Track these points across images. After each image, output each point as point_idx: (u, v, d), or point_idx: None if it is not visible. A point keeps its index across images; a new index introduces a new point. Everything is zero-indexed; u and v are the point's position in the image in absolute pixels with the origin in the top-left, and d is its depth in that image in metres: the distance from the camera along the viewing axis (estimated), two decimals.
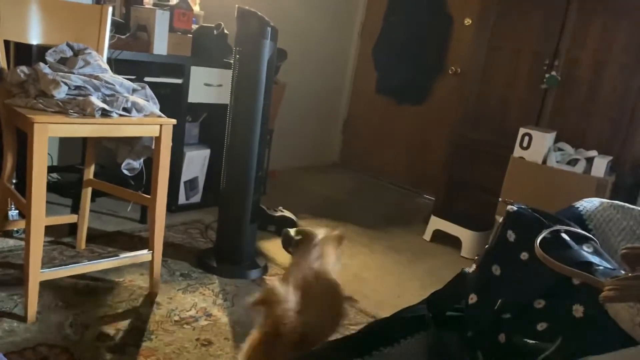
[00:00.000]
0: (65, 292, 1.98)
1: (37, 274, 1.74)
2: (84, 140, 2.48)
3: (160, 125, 1.93)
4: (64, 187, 2.77)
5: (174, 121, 1.97)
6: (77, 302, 1.93)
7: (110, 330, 1.79)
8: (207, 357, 1.72)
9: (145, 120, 1.91)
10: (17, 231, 2.38)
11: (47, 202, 1.75)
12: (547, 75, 2.96)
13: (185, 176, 3.10)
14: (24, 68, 1.91)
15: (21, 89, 1.89)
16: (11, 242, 2.32)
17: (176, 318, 1.93)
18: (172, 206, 3.00)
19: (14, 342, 1.64)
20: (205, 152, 3.19)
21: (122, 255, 2.06)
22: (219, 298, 2.13)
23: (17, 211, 2.36)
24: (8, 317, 1.76)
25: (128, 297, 2.03)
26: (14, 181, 2.34)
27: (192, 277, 2.29)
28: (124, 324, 1.84)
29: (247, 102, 2.35)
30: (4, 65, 1.97)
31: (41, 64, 1.91)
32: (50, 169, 2.77)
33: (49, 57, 1.97)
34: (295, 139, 4.51)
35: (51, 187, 2.62)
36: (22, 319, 1.75)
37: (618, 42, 2.78)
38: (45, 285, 1.91)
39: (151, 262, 2.05)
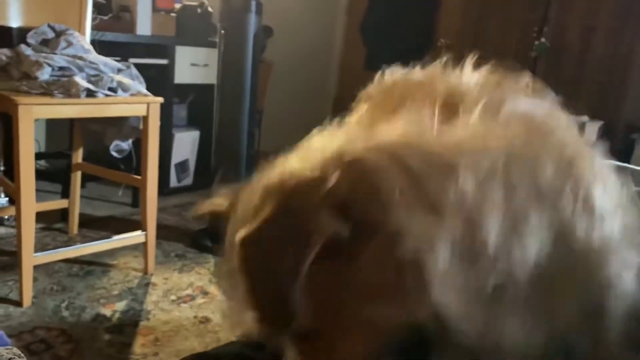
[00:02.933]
0: (59, 276, 1.97)
1: (31, 258, 1.72)
2: (71, 125, 2.45)
3: (148, 104, 1.91)
4: (53, 174, 2.74)
5: (161, 99, 1.94)
6: (72, 285, 1.92)
7: (106, 311, 1.78)
8: (206, 333, 1.72)
9: (131, 99, 1.89)
10: (7, 218, 2.35)
11: (37, 190, 1.73)
12: (536, 43, 2.95)
13: (176, 159, 3.08)
14: (6, 51, 1.87)
15: (3, 72, 1.85)
16: (2, 230, 2.30)
17: (173, 297, 1.93)
18: (164, 189, 2.97)
19: (11, 326, 1.63)
20: (195, 134, 3.16)
21: (115, 237, 2.05)
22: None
23: (7, 198, 2.33)
24: (3, 302, 1.75)
25: (123, 279, 2.02)
26: (1, 168, 2.31)
27: (187, 257, 2.28)
28: (120, 305, 1.83)
29: (234, 80, 2.32)
30: None
31: (23, 46, 1.87)
32: (38, 156, 2.74)
33: (31, 39, 1.93)
34: (286, 119, 4.48)
35: (40, 174, 2.58)
36: (18, 303, 1.74)
37: (606, 6, 2.76)
38: (39, 270, 1.90)
39: (145, 242, 2.03)
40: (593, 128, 2.62)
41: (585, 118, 2.76)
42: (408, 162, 0.32)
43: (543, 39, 2.93)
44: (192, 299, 1.93)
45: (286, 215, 0.32)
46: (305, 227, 0.31)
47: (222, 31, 2.29)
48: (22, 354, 0.64)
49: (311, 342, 0.34)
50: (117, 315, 1.77)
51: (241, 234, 0.32)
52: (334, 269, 0.32)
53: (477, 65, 0.42)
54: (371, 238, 0.31)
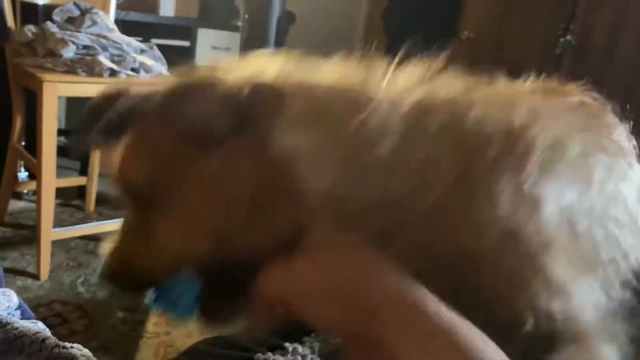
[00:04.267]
0: (76, 252, 1.99)
1: (49, 233, 1.75)
2: None
3: None
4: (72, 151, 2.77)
5: None
6: (88, 262, 1.94)
7: None
8: None
9: (153, 80, 1.89)
10: (27, 193, 2.39)
11: (56, 165, 1.75)
12: (561, 40, 2.91)
13: None
14: (32, 27, 1.88)
15: (29, 48, 1.87)
16: (21, 204, 2.33)
17: None
18: None
19: (28, 298, 1.66)
20: None
21: None
22: None
23: (27, 173, 2.36)
24: (21, 275, 1.78)
25: None
26: (22, 143, 2.34)
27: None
28: None
29: None
30: (12, 24, 1.94)
31: (48, 23, 1.88)
32: (58, 133, 2.76)
33: (56, 16, 1.95)
34: None
35: (59, 151, 2.61)
36: (35, 277, 1.77)
37: (635, 5, 2.71)
38: (56, 246, 1.92)
39: None
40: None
41: None
42: (297, 97, 0.37)
43: (569, 37, 2.88)
44: None
45: (184, 91, 0.36)
46: (194, 108, 0.35)
47: (246, 15, 2.29)
48: (47, 328, 0.65)
49: (145, 212, 0.39)
50: None
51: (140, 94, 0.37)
52: (199, 155, 0.36)
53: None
54: (246, 135, 0.36)
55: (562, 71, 2.97)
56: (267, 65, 0.40)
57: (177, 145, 0.36)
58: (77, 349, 0.63)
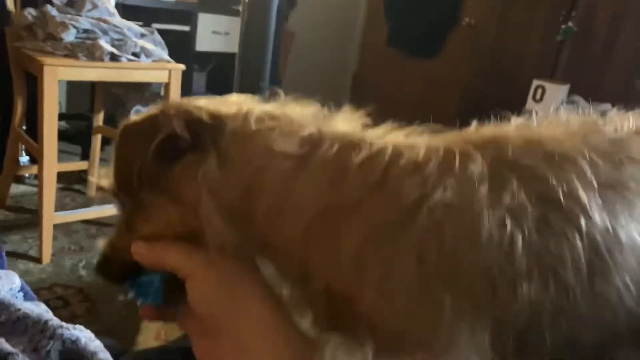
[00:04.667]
0: (78, 236, 2.01)
1: (51, 216, 1.76)
2: (92, 87, 2.47)
3: (169, 71, 1.91)
4: (73, 135, 2.77)
5: (182, 67, 1.94)
6: (89, 246, 1.96)
7: None
8: None
9: (154, 65, 1.89)
10: (28, 177, 2.40)
11: (58, 150, 1.75)
12: (562, 27, 2.89)
13: None
14: (32, 10, 1.88)
15: (29, 32, 1.87)
16: (23, 188, 2.35)
17: None
18: None
19: (30, 281, 1.67)
20: None
21: None
22: None
23: (28, 157, 2.37)
24: (23, 258, 1.80)
25: None
26: (24, 127, 2.34)
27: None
28: None
29: (256, 49, 2.32)
30: (12, 7, 1.94)
31: (48, 6, 1.87)
32: (60, 117, 2.76)
33: (56, 0, 1.94)
34: (304, 91, 4.46)
35: (61, 135, 2.62)
36: (37, 260, 1.79)
37: None
38: (58, 229, 1.94)
39: None
40: None
41: (607, 106, 2.72)
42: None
43: (570, 23, 2.87)
44: None
45: (152, 118, 0.43)
46: (158, 125, 0.42)
47: (247, 0, 2.28)
48: (49, 310, 0.66)
49: (131, 212, 0.47)
50: None
51: (123, 124, 0.45)
52: (166, 165, 0.43)
53: None
54: (196, 153, 0.42)
55: (563, 58, 2.96)
56: (243, 103, 0.46)
57: (152, 158, 0.42)
58: (80, 330, 0.64)
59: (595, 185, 0.37)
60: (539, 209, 0.36)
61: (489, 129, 0.43)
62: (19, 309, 0.63)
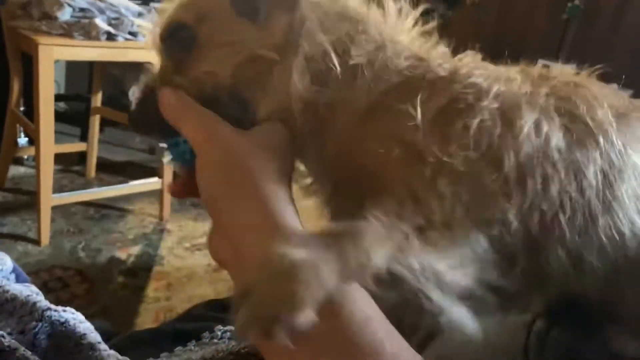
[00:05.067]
0: (76, 218, 2.00)
1: (49, 198, 1.75)
2: (91, 67, 2.44)
3: None
4: (72, 116, 2.75)
5: None
6: (88, 228, 1.95)
7: (121, 254, 1.82)
8: (219, 280, 1.75)
9: None
10: (27, 158, 2.38)
11: (56, 131, 1.73)
12: (569, 5, 2.84)
13: None
14: None
15: (24, 11, 1.83)
16: (22, 170, 2.33)
17: (187, 245, 1.95)
18: None
19: (29, 263, 1.67)
20: None
21: (132, 183, 2.07)
22: None
23: (27, 139, 2.35)
24: (22, 240, 1.79)
25: (139, 224, 2.05)
26: (22, 108, 2.32)
27: (203, 206, 2.30)
28: (135, 249, 1.86)
29: None
30: None
31: None
32: (58, 98, 2.74)
33: None
34: None
35: (59, 116, 2.59)
36: (36, 242, 1.78)
37: None
38: (56, 211, 1.93)
39: (161, 189, 2.05)
40: None
41: (614, 86, 2.67)
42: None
43: (576, 1, 2.81)
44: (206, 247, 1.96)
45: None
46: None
47: None
48: (40, 292, 0.65)
49: (184, 53, 0.45)
50: (131, 259, 1.80)
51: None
52: (238, 21, 0.45)
53: None
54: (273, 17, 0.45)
55: (569, 37, 2.91)
56: None
57: (227, 9, 0.44)
58: (70, 312, 0.62)
59: (609, 110, 0.45)
60: (564, 118, 0.43)
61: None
62: (8, 291, 0.61)
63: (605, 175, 0.43)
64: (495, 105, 0.42)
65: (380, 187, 0.41)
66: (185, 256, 1.87)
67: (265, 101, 0.44)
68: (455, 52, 0.51)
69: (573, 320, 0.50)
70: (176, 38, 0.46)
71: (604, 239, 0.43)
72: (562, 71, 0.50)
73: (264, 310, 0.32)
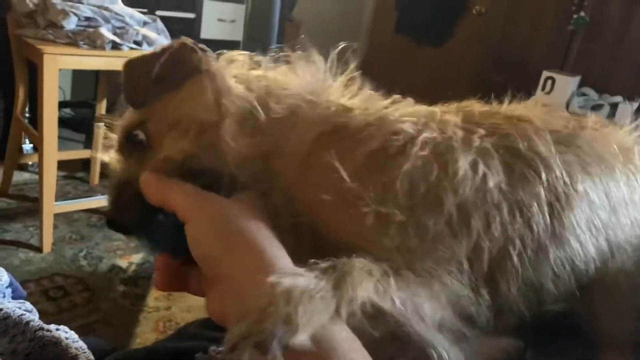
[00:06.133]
0: (79, 225, 2.01)
1: (52, 206, 1.75)
2: (97, 75, 2.45)
3: None
4: (78, 123, 2.77)
5: None
6: (90, 235, 1.95)
7: (123, 263, 1.82)
8: None
9: None
10: (31, 165, 2.40)
11: (61, 137, 1.75)
12: (574, 16, 2.83)
13: None
14: None
15: (30, 19, 1.85)
16: (26, 176, 2.35)
17: None
18: None
19: (30, 270, 1.67)
20: None
21: None
22: None
23: (32, 145, 2.37)
24: (24, 247, 1.80)
25: None
26: (27, 115, 2.34)
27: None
28: (136, 258, 1.87)
29: (260, 37, 2.29)
30: None
31: None
32: (63, 104, 2.76)
33: None
34: None
35: (64, 123, 2.62)
36: (38, 249, 1.79)
37: None
38: (59, 218, 1.93)
39: None
40: (627, 109, 2.53)
41: (619, 98, 2.66)
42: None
43: (582, 13, 2.81)
44: None
45: (154, 51, 0.48)
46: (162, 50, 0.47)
47: None
48: (34, 309, 0.65)
49: (146, 151, 0.47)
50: (132, 267, 1.81)
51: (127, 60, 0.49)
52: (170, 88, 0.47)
53: None
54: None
55: (574, 49, 2.90)
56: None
57: (152, 89, 0.46)
58: (63, 331, 0.62)
59: (552, 142, 0.45)
60: (504, 156, 0.44)
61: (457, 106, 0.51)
62: (1, 309, 0.61)
63: (552, 208, 0.44)
64: (426, 151, 0.43)
65: (333, 235, 0.43)
66: None
67: (225, 162, 0.45)
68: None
69: (549, 342, 0.51)
70: (131, 140, 0.48)
71: (557, 268, 0.44)
72: (507, 107, 0.51)
73: (260, 326, 0.34)
